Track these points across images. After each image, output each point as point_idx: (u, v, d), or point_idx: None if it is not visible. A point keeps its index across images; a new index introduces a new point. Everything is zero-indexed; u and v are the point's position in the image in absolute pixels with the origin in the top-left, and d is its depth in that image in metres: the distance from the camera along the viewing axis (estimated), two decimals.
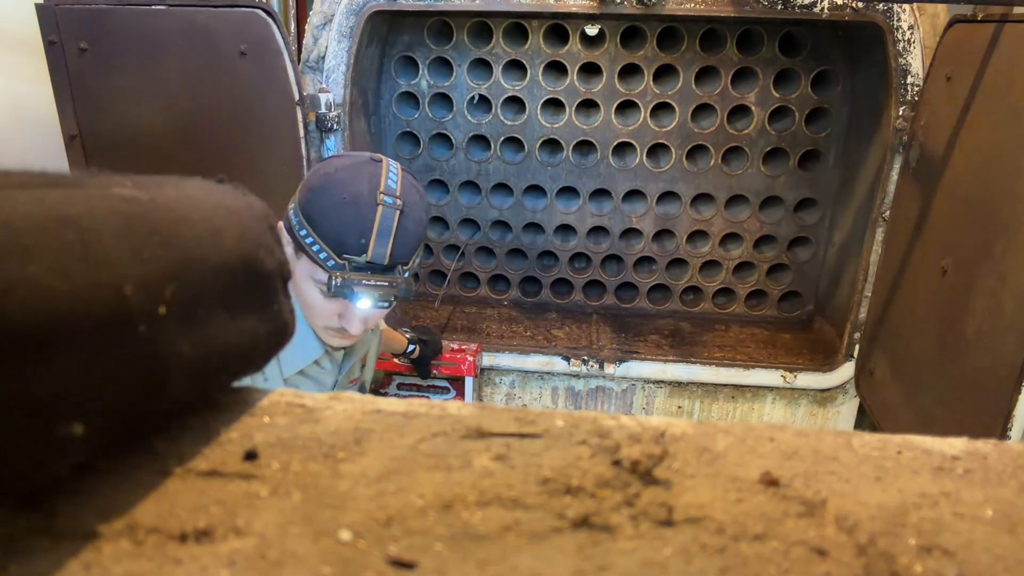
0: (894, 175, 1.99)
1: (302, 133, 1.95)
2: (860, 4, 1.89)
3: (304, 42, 2.04)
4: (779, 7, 1.89)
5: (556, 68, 2.36)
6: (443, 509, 0.33)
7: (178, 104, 1.93)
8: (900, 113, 1.97)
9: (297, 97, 1.91)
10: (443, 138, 2.44)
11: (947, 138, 1.70)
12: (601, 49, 2.31)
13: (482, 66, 2.37)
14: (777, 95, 2.30)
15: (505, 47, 2.31)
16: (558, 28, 2.31)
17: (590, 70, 2.37)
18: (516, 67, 2.37)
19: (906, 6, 1.92)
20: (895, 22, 1.91)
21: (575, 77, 2.33)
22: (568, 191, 2.50)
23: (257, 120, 1.94)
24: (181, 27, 1.85)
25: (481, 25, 2.31)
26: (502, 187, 2.51)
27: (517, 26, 2.32)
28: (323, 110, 1.97)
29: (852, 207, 2.26)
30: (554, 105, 2.40)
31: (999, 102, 1.51)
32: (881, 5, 1.91)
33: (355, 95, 2.11)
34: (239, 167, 1.97)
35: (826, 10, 1.89)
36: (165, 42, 1.86)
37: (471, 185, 2.51)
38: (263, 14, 1.85)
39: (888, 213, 2.01)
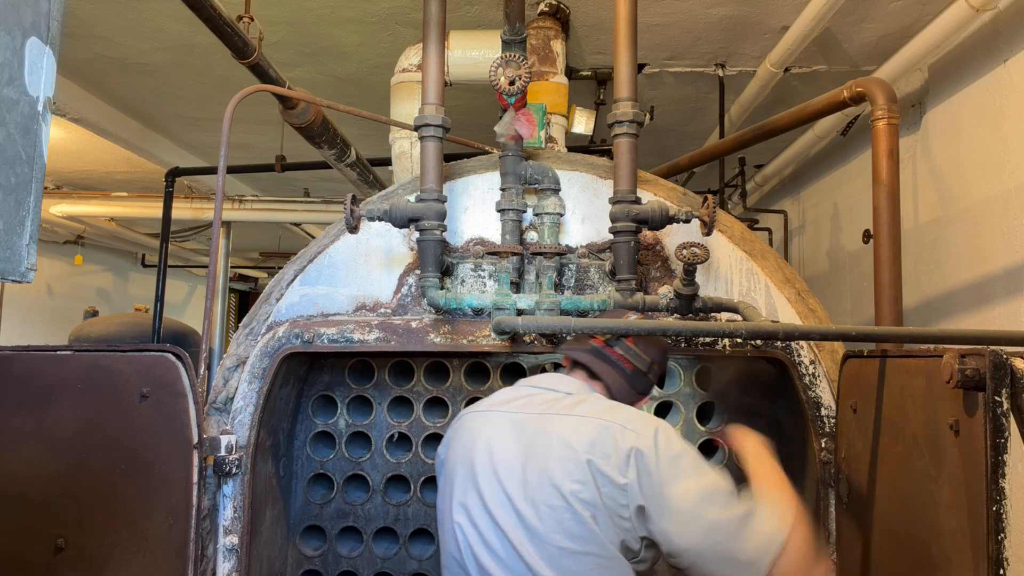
0: (832, 511, 1.86)
1: (195, 478, 1.81)
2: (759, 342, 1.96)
3: (213, 384, 2.01)
4: (683, 344, 1.95)
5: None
6: None
7: (62, 451, 1.81)
8: (823, 445, 1.91)
9: (196, 440, 1.81)
10: (359, 480, 2.30)
11: (867, 471, 1.62)
12: None
13: (403, 404, 2.33)
14: (702, 428, 2.27)
15: (427, 385, 2.31)
16: (479, 366, 2.35)
17: None
18: (438, 404, 2.34)
19: (803, 342, 1.99)
20: (796, 357, 1.96)
21: None
22: None
23: (148, 465, 1.81)
24: (83, 371, 1.82)
25: (402, 364, 2.35)
26: (422, 533, 2.29)
27: (438, 364, 2.35)
28: (222, 453, 1.87)
29: None
30: None
31: (900, 432, 1.46)
32: (779, 342, 1.98)
33: (263, 436, 2.02)
34: (116, 520, 1.78)
35: (727, 347, 1.95)
36: (62, 386, 1.81)
37: (388, 532, 2.29)
38: (172, 357, 1.84)
39: (835, 555, 1.83)
